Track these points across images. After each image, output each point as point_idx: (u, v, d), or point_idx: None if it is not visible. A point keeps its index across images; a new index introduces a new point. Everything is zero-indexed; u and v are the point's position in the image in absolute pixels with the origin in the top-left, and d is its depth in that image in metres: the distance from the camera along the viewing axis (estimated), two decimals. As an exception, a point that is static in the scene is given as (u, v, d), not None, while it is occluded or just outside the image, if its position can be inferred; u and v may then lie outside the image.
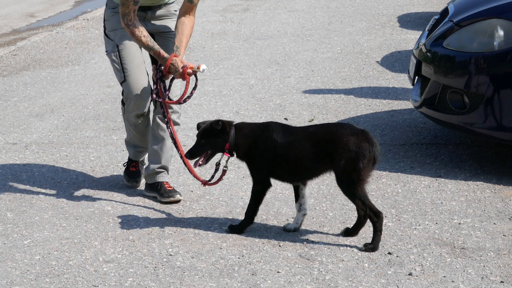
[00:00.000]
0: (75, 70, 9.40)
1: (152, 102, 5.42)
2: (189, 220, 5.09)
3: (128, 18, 5.05)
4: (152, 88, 5.35)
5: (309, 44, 10.23)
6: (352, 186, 4.51)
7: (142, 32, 5.08)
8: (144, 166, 5.64)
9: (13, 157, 6.39)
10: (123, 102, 5.44)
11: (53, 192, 5.64)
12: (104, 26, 5.43)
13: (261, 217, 5.07)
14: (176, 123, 5.41)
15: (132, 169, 5.68)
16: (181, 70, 5.01)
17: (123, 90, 5.38)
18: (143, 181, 5.67)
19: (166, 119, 5.24)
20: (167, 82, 5.27)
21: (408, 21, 11.61)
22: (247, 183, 5.63)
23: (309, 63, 9.22)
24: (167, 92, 5.20)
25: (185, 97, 5.17)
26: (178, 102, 5.21)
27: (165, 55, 5.06)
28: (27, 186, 5.76)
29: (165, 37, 5.41)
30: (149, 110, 5.48)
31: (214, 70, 9.07)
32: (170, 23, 5.43)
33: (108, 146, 6.62)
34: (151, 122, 5.50)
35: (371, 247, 4.58)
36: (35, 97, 8.26)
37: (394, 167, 5.93)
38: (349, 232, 4.77)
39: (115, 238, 4.86)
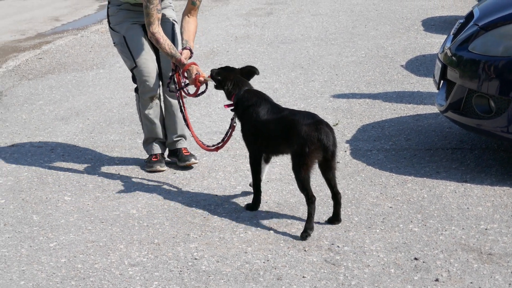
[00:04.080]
0: (100, 73, 9.45)
1: (160, 82, 6.03)
2: (214, 224, 5.09)
3: (153, 27, 5.61)
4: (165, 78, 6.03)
5: (333, 48, 10.22)
6: (297, 169, 4.81)
7: (166, 40, 5.63)
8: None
9: (39, 160, 6.42)
10: (136, 90, 5.99)
11: (79, 195, 5.66)
12: (109, 21, 6.03)
13: (285, 222, 5.06)
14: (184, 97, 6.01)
15: (154, 159, 6.06)
16: (193, 76, 5.55)
17: (134, 76, 5.95)
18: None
19: (177, 94, 5.82)
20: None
21: (432, 24, 11.57)
22: (271, 188, 5.63)
23: (333, 67, 9.20)
24: (184, 80, 5.77)
25: (197, 94, 5.77)
26: (194, 95, 5.76)
27: (185, 62, 5.63)
28: (52, 189, 5.78)
29: (162, 21, 5.92)
30: (159, 95, 6.07)
31: (238, 74, 9.07)
32: (166, 11, 6.01)
33: (133, 149, 6.64)
34: (163, 106, 6.11)
35: (304, 235, 4.79)
36: (60, 100, 8.30)
37: (419, 172, 5.90)
38: (330, 220, 5.04)
39: (140, 241, 4.87)
